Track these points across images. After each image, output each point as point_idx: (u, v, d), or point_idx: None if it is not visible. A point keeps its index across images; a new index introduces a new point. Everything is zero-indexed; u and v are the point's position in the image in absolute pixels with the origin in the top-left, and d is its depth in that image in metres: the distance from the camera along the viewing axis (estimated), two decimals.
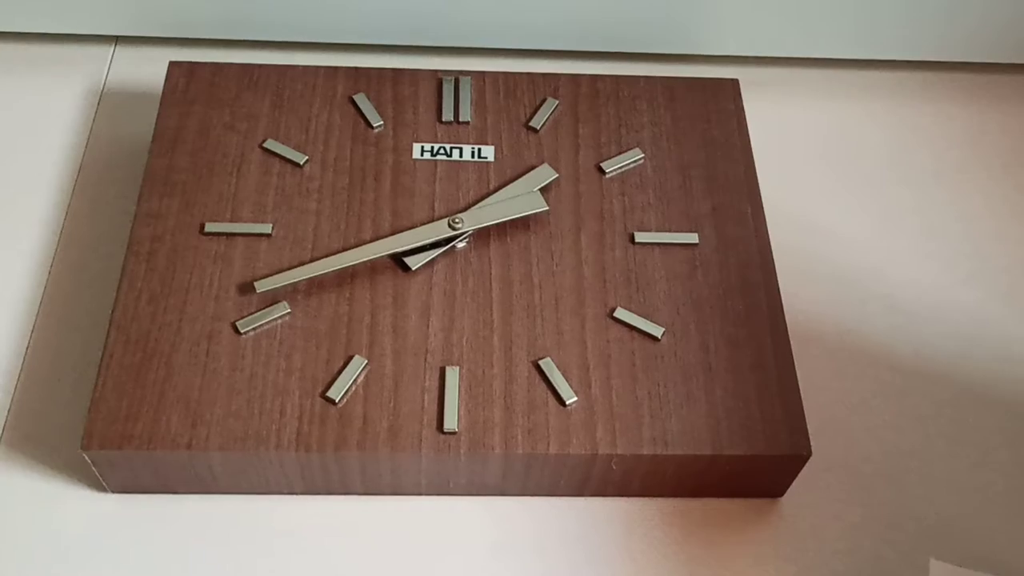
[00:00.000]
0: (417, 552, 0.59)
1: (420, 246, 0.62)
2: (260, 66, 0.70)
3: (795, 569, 0.60)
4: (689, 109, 0.70)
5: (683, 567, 0.59)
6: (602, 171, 0.67)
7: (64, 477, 0.60)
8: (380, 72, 0.70)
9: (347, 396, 0.58)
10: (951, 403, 0.66)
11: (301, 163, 0.66)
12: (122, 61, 0.79)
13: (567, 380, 0.59)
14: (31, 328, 0.66)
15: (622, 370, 0.59)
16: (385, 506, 0.60)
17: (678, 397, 0.59)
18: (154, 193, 0.64)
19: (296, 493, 0.60)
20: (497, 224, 0.64)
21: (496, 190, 0.65)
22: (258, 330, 0.59)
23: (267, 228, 0.63)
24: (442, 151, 0.67)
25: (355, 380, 0.58)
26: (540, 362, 0.59)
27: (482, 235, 0.64)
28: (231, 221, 0.63)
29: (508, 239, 0.64)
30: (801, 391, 0.60)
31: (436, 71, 0.71)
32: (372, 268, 0.62)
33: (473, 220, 0.63)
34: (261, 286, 0.60)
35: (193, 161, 0.65)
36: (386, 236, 0.63)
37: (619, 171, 0.67)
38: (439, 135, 0.68)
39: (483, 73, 0.71)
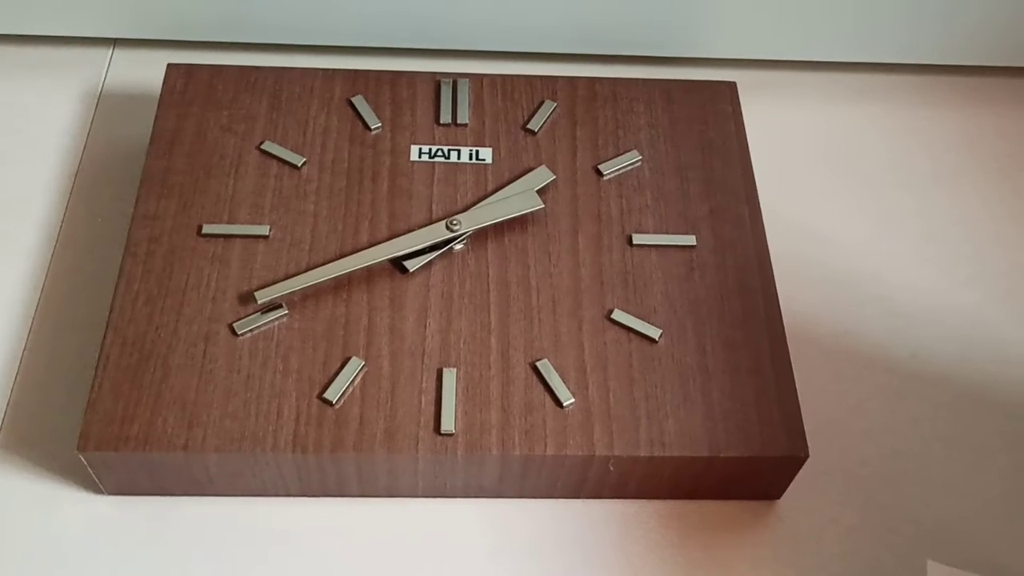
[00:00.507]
0: (414, 554, 0.59)
1: (418, 249, 0.62)
2: (258, 68, 0.70)
3: (792, 572, 0.59)
4: (687, 112, 0.70)
5: (680, 570, 0.59)
6: (600, 173, 0.67)
7: (60, 479, 0.60)
8: (378, 74, 0.70)
9: (344, 398, 0.58)
10: (949, 406, 0.66)
11: (299, 165, 0.66)
12: (120, 63, 0.79)
13: (564, 382, 0.59)
14: (28, 329, 0.66)
15: (619, 372, 0.59)
16: (382, 508, 0.60)
17: (675, 399, 0.59)
18: (151, 194, 0.64)
19: (292, 495, 0.60)
20: (495, 226, 0.64)
21: (494, 192, 0.65)
22: (255, 332, 0.59)
23: (264, 230, 0.63)
24: (440, 153, 0.67)
25: (352, 382, 0.58)
26: (537, 364, 0.59)
27: (480, 237, 0.64)
28: (228, 223, 0.63)
29: (506, 241, 0.64)
30: (799, 393, 0.60)
31: (434, 73, 0.71)
32: (369, 270, 0.62)
33: (470, 221, 0.63)
34: (261, 296, 0.60)
35: (191, 163, 0.65)
36: (384, 238, 0.63)
37: (617, 173, 0.67)
38: (437, 137, 0.68)
39: (481, 76, 0.71)
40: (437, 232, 0.63)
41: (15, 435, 0.62)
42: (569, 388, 0.58)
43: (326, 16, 0.77)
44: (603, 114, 0.70)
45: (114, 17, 0.77)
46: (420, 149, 0.67)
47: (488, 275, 0.62)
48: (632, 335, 0.61)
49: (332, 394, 0.57)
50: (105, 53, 0.79)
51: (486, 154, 0.67)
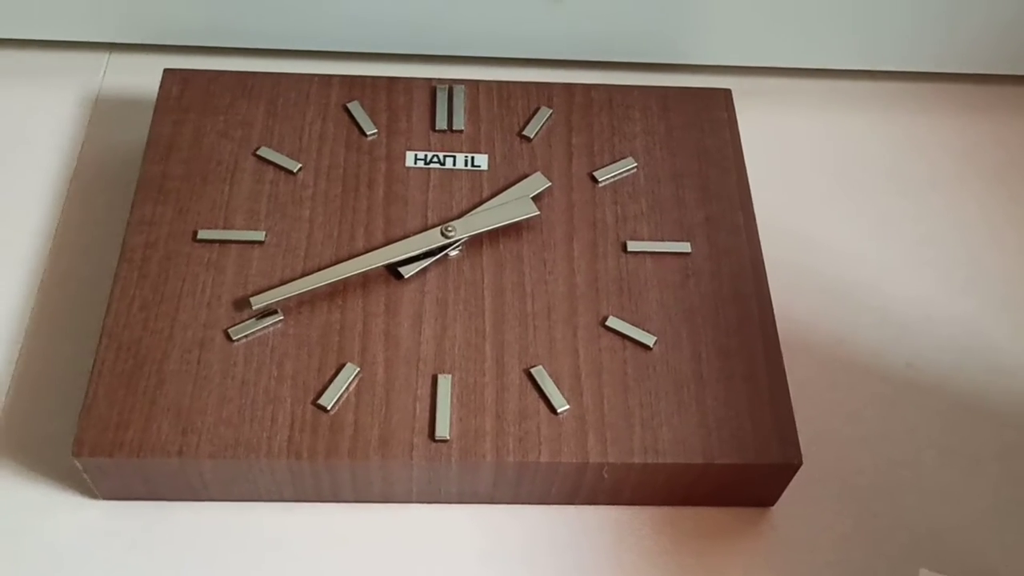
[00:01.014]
0: (407, 560, 0.59)
1: (413, 255, 0.62)
2: (254, 74, 0.70)
3: None
4: (682, 119, 0.70)
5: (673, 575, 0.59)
6: (595, 180, 0.67)
7: (55, 484, 0.60)
8: (374, 80, 0.71)
9: (339, 404, 0.58)
10: (943, 415, 0.66)
11: (295, 171, 0.66)
12: (116, 68, 0.79)
13: (559, 388, 0.59)
14: (22, 335, 0.66)
15: (614, 379, 0.59)
16: (376, 514, 0.60)
17: (669, 406, 0.59)
18: (147, 200, 0.64)
19: (287, 501, 0.60)
20: (489, 232, 0.64)
21: (489, 198, 0.66)
22: (250, 337, 0.59)
23: (260, 235, 0.63)
24: (435, 159, 0.67)
25: (347, 388, 0.58)
26: (532, 370, 0.59)
27: (475, 244, 0.64)
28: (224, 228, 0.63)
29: (501, 248, 0.64)
30: (793, 401, 0.60)
31: (430, 79, 0.71)
32: (364, 276, 0.62)
33: (466, 228, 0.63)
34: (257, 302, 0.60)
35: (187, 168, 0.66)
36: (379, 244, 0.63)
37: (612, 180, 0.67)
38: (432, 143, 0.68)
39: (477, 82, 0.71)
40: (432, 238, 0.63)
41: (10, 440, 0.62)
42: (563, 395, 0.58)
43: (322, 22, 0.77)
44: (599, 121, 0.70)
45: (111, 22, 0.77)
46: (416, 155, 0.67)
47: (483, 282, 0.62)
48: (627, 342, 0.61)
49: (327, 400, 0.57)
50: (102, 58, 0.79)
51: (482, 160, 0.67)
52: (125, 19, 0.76)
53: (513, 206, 0.64)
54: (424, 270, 0.62)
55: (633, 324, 0.61)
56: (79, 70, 0.78)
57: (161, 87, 0.69)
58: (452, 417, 0.57)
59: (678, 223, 0.66)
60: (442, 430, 0.57)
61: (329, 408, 0.57)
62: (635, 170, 0.68)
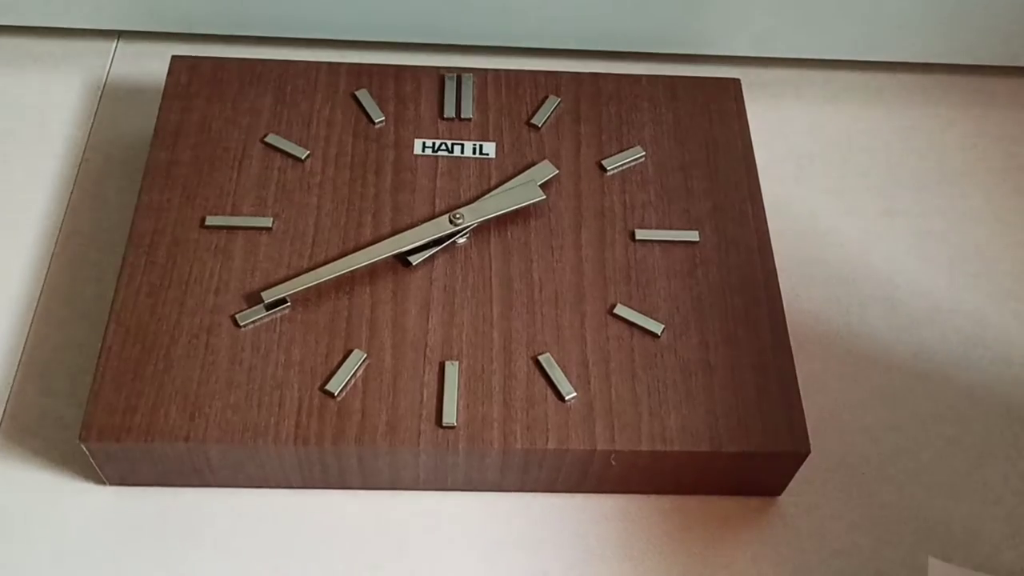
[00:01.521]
0: (414, 547, 0.59)
1: (421, 243, 0.62)
2: (262, 61, 0.70)
3: (792, 567, 0.59)
4: (690, 108, 0.70)
5: (680, 565, 0.59)
6: (603, 169, 0.67)
7: (62, 469, 0.60)
8: (382, 68, 0.70)
9: (346, 390, 0.58)
10: (951, 404, 0.66)
11: (302, 158, 0.66)
12: (125, 55, 0.79)
13: (566, 376, 0.59)
14: (31, 319, 0.66)
15: (621, 366, 0.59)
16: (383, 501, 0.60)
17: (677, 394, 0.59)
18: (155, 186, 0.64)
19: (293, 487, 0.60)
20: (497, 220, 0.64)
21: (497, 187, 0.65)
22: (257, 323, 0.59)
23: (268, 222, 0.63)
24: (443, 147, 0.67)
25: (354, 374, 0.58)
26: (539, 358, 0.59)
27: (482, 231, 0.64)
28: (232, 215, 0.63)
29: (508, 235, 0.64)
30: (801, 391, 0.60)
31: (438, 68, 0.71)
32: (372, 263, 0.62)
33: (473, 215, 0.63)
34: (268, 296, 0.60)
35: (194, 155, 0.66)
36: (387, 231, 0.63)
37: (620, 169, 0.67)
38: (440, 131, 0.68)
39: (485, 70, 0.71)
40: (440, 226, 0.63)
41: (17, 425, 0.62)
42: (571, 382, 0.58)
43: (331, 10, 0.77)
44: (607, 110, 0.70)
45: (119, 9, 0.77)
46: (424, 143, 0.67)
47: (491, 269, 0.62)
48: (634, 330, 0.61)
49: (334, 386, 0.57)
50: (110, 45, 0.79)
51: (489, 149, 0.67)
52: (133, 6, 0.76)
53: (520, 191, 0.64)
54: (432, 257, 0.62)
55: (641, 312, 0.61)
56: (87, 57, 0.78)
57: (169, 74, 0.69)
58: (459, 404, 0.57)
59: (686, 212, 0.66)
60: (449, 417, 0.57)
61: (336, 394, 0.57)
62: (643, 159, 0.68)
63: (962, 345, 0.69)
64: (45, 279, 0.67)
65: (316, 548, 0.58)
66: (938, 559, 0.60)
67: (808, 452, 0.58)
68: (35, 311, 0.66)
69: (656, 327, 0.61)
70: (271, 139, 0.66)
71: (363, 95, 0.69)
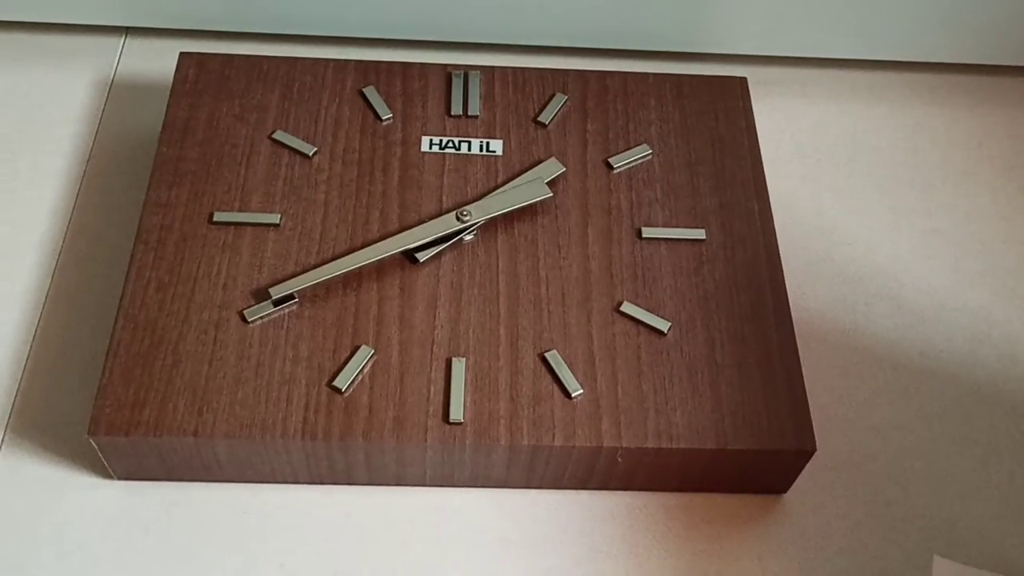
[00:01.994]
0: (421, 543, 0.59)
1: (428, 240, 0.62)
2: (270, 58, 0.70)
3: (798, 566, 0.60)
4: (697, 106, 0.70)
5: (685, 562, 0.59)
6: (610, 166, 0.67)
7: (70, 463, 0.60)
8: (390, 66, 0.71)
9: (353, 386, 0.58)
10: (957, 403, 0.66)
11: (310, 154, 0.66)
12: (132, 52, 0.79)
13: (573, 373, 0.59)
14: (39, 315, 0.66)
15: (628, 364, 0.59)
16: (389, 497, 0.60)
17: (683, 391, 0.59)
18: (163, 182, 0.64)
19: (301, 482, 0.60)
20: (504, 217, 0.64)
21: (504, 184, 0.66)
22: (265, 319, 0.60)
23: (275, 218, 0.63)
24: (450, 144, 0.67)
25: (361, 370, 0.58)
26: (546, 354, 0.59)
27: (489, 228, 0.64)
28: (240, 211, 0.63)
29: (515, 232, 0.64)
30: (807, 389, 0.60)
31: (445, 65, 0.71)
32: (380, 260, 0.62)
33: (480, 212, 0.63)
34: (276, 292, 0.60)
35: (202, 151, 0.66)
36: (394, 228, 0.63)
37: (627, 166, 0.67)
38: (448, 128, 0.68)
39: (492, 68, 0.71)
40: (447, 223, 0.63)
41: (26, 419, 0.62)
42: (578, 379, 0.59)
43: (338, 7, 0.77)
44: (614, 108, 0.70)
45: (127, 5, 0.77)
46: (431, 140, 0.67)
47: (498, 266, 0.63)
48: (641, 327, 0.61)
49: (341, 382, 0.57)
50: (117, 42, 0.80)
51: (496, 146, 0.67)
52: (141, 3, 0.77)
53: (526, 188, 0.64)
54: (439, 254, 0.63)
55: (647, 310, 0.61)
56: (95, 53, 0.78)
57: (177, 71, 0.69)
58: (466, 400, 0.58)
59: (693, 210, 0.66)
60: (456, 413, 0.57)
61: (344, 390, 0.57)
62: (650, 157, 0.68)
63: (968, 343, 0.69)
64: (53, 275, 0.67)
65: (323, 543, 0.59)
66: (944, 557, 0.60)
67: (814, 450, 0.58)
68: (44, 307, 0.66)
69: (662, 325, 0.61)
70: (279, 136, 0.67)
71: (370, 92, 0.69)
